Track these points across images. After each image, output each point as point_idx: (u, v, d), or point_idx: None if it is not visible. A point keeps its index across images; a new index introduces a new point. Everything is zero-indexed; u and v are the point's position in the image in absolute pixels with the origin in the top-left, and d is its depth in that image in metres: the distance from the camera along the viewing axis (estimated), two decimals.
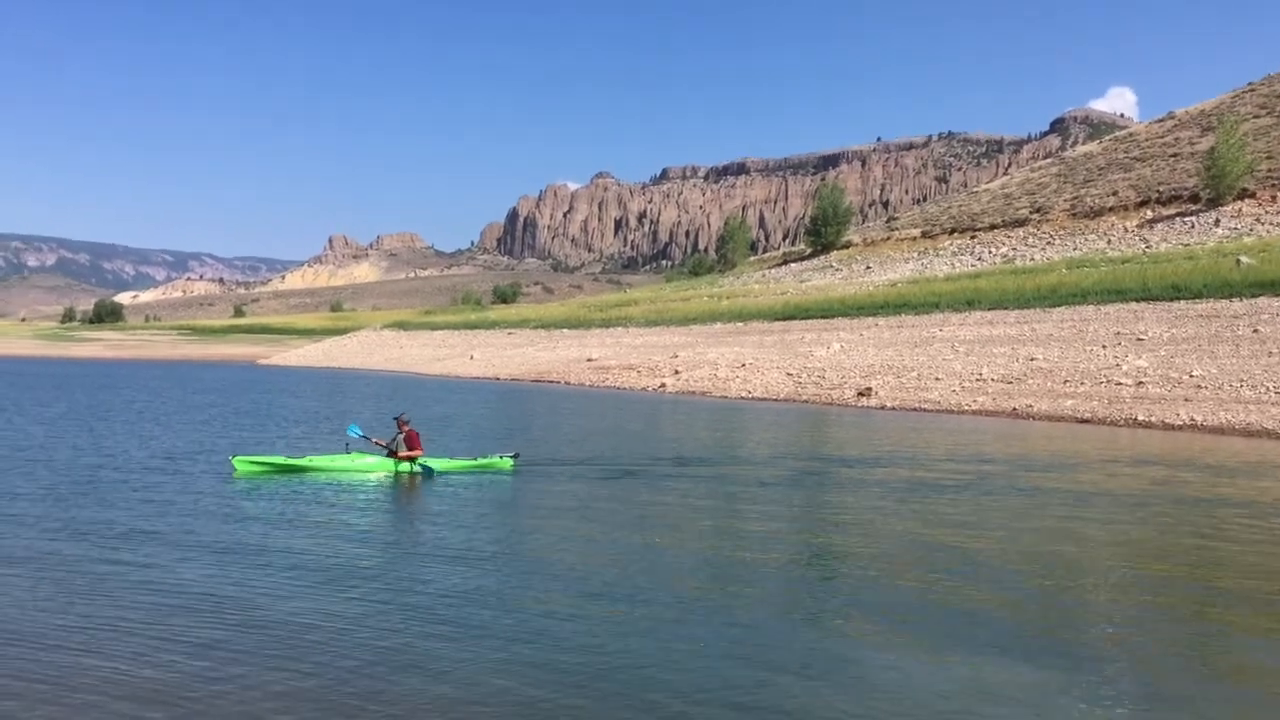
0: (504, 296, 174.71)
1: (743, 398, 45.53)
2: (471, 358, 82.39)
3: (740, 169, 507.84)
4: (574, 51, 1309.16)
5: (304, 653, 7.94)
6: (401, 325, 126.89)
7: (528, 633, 8.57)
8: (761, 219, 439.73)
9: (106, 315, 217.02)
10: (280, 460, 18.71)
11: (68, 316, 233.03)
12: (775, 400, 43.92)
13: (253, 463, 18.38)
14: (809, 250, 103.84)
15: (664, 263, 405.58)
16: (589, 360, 67.22)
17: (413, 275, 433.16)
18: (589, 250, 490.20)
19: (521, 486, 17.59)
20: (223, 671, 7.48)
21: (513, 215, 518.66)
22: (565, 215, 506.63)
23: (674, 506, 15.55)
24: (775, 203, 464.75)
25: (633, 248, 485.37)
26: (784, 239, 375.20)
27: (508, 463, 19.73)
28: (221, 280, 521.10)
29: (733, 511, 15.49)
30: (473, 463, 19.61)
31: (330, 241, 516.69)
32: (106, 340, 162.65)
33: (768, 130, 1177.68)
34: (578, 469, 20.00)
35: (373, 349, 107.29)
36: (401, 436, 18.94)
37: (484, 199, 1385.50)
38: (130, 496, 15.34)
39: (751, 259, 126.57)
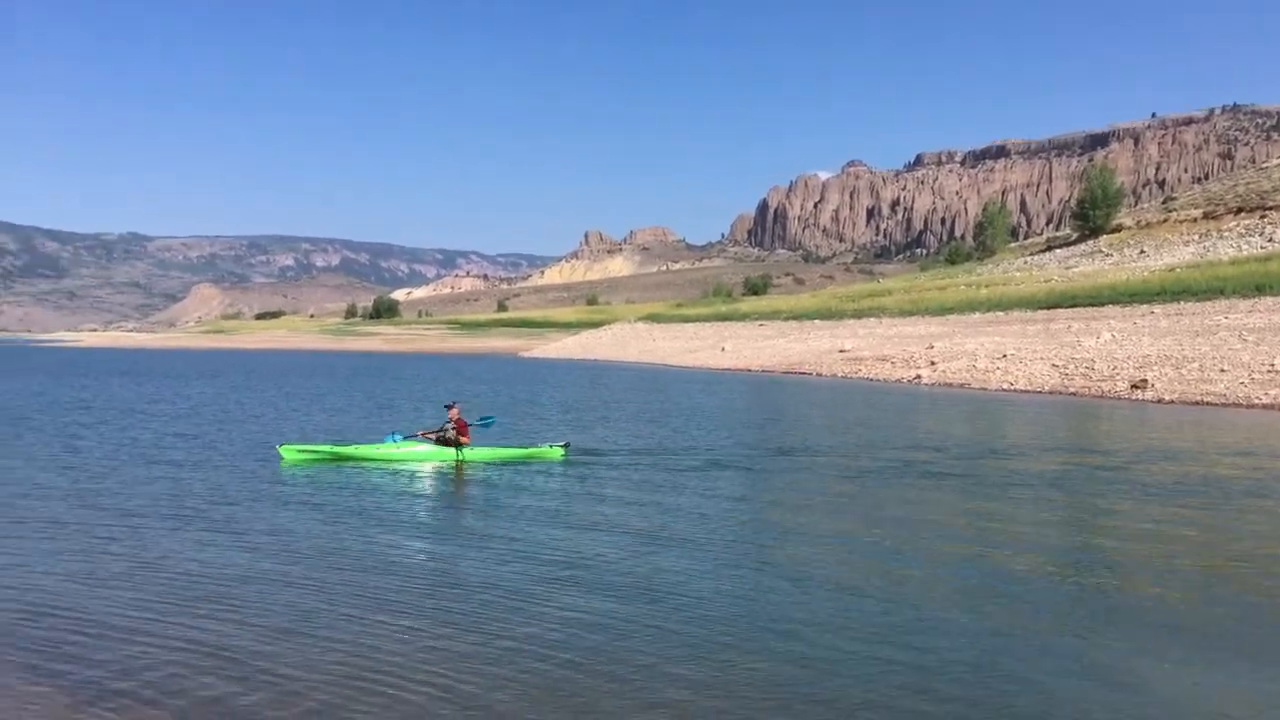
0: (755, 288, 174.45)
1: (1004, 390, 43.65)
2: (723, 349, 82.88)
3: (1000, 152, 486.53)
4: (824, 44, 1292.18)
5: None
6: (654, 318, 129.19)
7: (779, 637, 8.53)
8: (1023, 203, 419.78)
9: (384, 311, 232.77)
10: (328, 449, 18.87)
11: (350, 312, 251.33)
12: (1039, 392, 41.85)
13: (301, 451, 18.56)
14: (1075, 235, 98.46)
15: (918, 251, 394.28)
16: (841, 351, 66.26)
17: (664, 268, 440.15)
18: (840, 240, 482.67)
19: (776, 479, 17.51)
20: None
21: (763, 207, 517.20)
22: (816, 205, 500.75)
23: (928, 504, 15.07)
24: (1038, 186, 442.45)
25: (885, 236, 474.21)
26: (1047, 224, 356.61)
27: (558, 453, 19.31)
28: (485, 276, 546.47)
29: (990, 510, 14.82)
30: (521, 452, 19.32)
31: (586, 237, 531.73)
32: (384, 334, 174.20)
33: (1029, 110, 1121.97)
34: (830, 460, 19.72)
35: (627, 342, 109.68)
36: (451, 425, 18.75)
37: (734, 191, 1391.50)
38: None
39: (1012, 245, 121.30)
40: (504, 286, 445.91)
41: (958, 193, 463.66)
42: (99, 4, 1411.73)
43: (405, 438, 18.86)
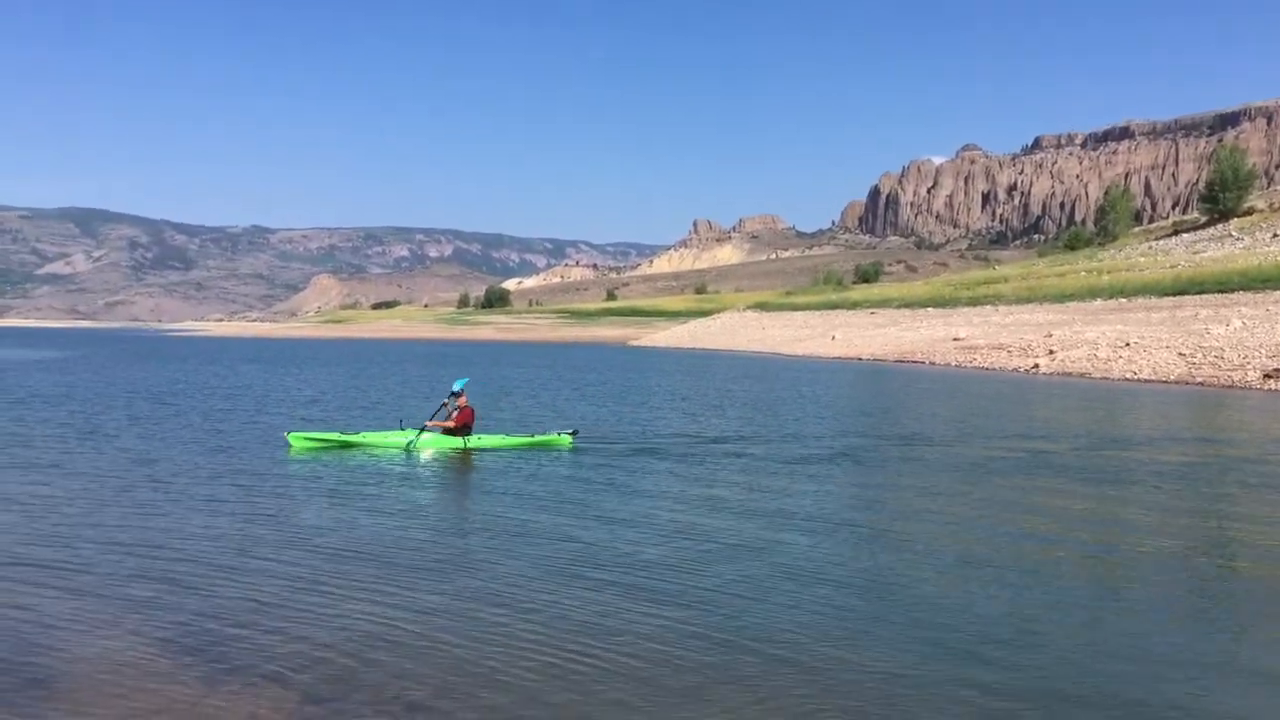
0: (865, 276, 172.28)
1: (1126, 379, 42.42)
2: (833, 338, 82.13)
3: (1123, 133, 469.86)
4: (936, 25, 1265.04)
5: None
6: (763, 306, 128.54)
7: (897, 617, 8.57)
8: (1147, 186, 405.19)
9: (495, 300, 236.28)
10: (335, 436, 18.80)
11: (463, 302, 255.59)
12: (1164, 382, 40.57)
13: (308, 439, 18.52)
14: (1204, 219, 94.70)
15: (1036, 237, 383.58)
16: (955, 340, 65.10)
17: (774, 256, 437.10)
18: (954, 226, 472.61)
19: (888, 469, 17.42)
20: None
21: (874, 193, 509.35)
22: (929, 191, 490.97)
23: (1045, 493, 14.83)
24: (1163, 168, 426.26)
25: (1001, 222, 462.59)
26: (1173, 207, 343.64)
27: (567, 440, 19.17)
28: (595, 266, 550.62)
29: (1109, 501, 14.52)
30: (529, 440, 19.16)
31: (694, 225, 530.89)
32: (496, 324, 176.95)
33: (1155, 89, 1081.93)
34: (945, 450, 19.52)
35: (735, 330, 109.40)
36: (455, 412, 18.63)
37: (845, 178, 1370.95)
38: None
39: (1136, 230, 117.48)
40: (613, 275, 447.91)
41: (1078, 176, 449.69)
42: (220, 5, 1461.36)
43: (420, 429, 18.64)
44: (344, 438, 18.68)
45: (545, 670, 7.04)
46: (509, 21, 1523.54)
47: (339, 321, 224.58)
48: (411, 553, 10.56)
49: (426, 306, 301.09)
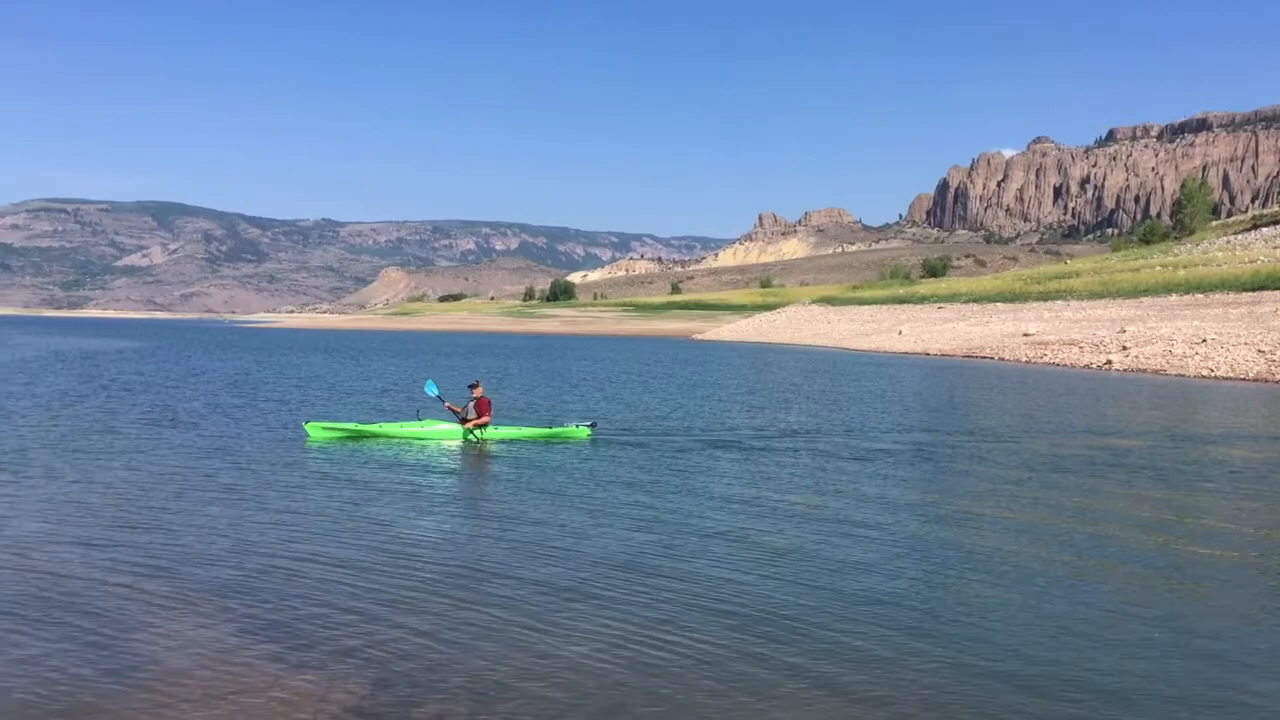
0: (933, 270, 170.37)
1: (1202, 377, 41.48)
2: (900, 333, 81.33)
3: (1200, 125, 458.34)
4: (1006, 15, 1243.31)
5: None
6: (829, 301, 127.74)
7: (960, 628, 8.52)
8: (1225, 179, 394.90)
9: (561, 293, 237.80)
10: (352, 426, 18.88)
11: (528, 295, 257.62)
12: (1242, 380, 39.62)
13: (326, 428, 18.59)
14: None
15: (1109, 231, 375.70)
16: (1025, 335, 64.12)
17: (840, 250, 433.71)
18: (1025, 220, 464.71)
19: (955, 465, 17.26)
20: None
21: (942, 186, 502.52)
22: (999, 184, 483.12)
23: (1118, 492, 14.58)
24: (1242, 161, 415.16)
25: (1074, 216, 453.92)
26: (1253, 201, 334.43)
27: (585, 432, 19.12)
28: (660, 259, 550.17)
29: (1184, 501, 14.23)
30: (546, 431, 19.12)
31: (759, 219, 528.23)
32: (561, 316, 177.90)
33: (1233, 79, 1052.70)
34: (1015, 447, 19.27)
35: (800, 324, 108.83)
36: (472, 404, 18.70)
37: (912, 171, 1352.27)
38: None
39: (1213, 224, 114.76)
40: (678, 269, 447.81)
41: (1153, 169, 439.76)
42: (293, 3, 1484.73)
43: (439, 395, 19.05)
44: (361, 428, 18.84)
45: (617, 662, 7.12)
46: (575, 16, 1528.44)
47: (406, 314, 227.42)
48: (482, 542, 10.73)
49: (492, 299, 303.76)
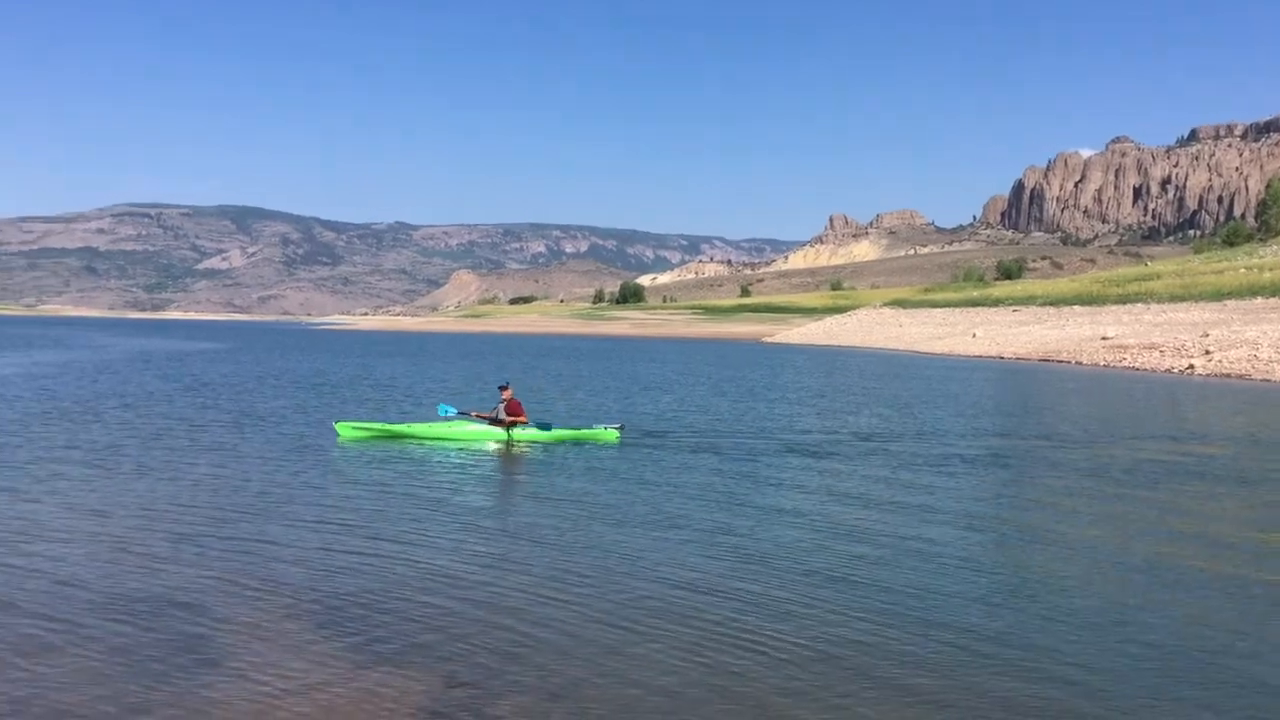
0: (1008, 272, 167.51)
1: None
2: (973, 336, 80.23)
3: None
4: (1087, 14, 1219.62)
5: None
6: (900, 303, 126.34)
7: (1050, 620, 8.43)
8: None
9: (630, 296, 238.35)
10: (382, 427, 18.97)
11: (598, 297, 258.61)
12: None
13: (356, 428, 18.63)
14: None
15: (1191, 232, 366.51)
16: (1103, 339, 62.87)
17: (912, 252, 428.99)
18: (1103, 221, 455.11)
19: (1029, 474, 17.01)
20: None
21: (1018, 187, 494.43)
22: (1076, 185, 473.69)
23: (1201, 500, 14.25)
24: None
25: (1154, 217, 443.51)
26: None
27: (613, 434, 19.00)
28: (729, 262, 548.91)
29: (1271, 509, 13.86)
30: (574, 433, 19.01)
31: (830, 221, 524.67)
32: (631, 319, 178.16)
33: None
34: (1094, 452, 18.92)
35: (872, 327, 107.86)
36: (503, 405, 18.74)
37: (986, 172, 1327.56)
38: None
39: None
40: (747, 272, 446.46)
41: (1238, 169, 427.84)
42: (369, 14, 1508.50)
43: (457, 412, 19.07)
44: (391, 428, 18.99)
45: (692, 663, 7.16)
46: (646, 22, 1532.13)
47: (478, 316, 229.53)
48: (556, 543, 10.82)
49: (562, 302, 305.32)
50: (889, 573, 9.67)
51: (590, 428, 19.61)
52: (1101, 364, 54.67)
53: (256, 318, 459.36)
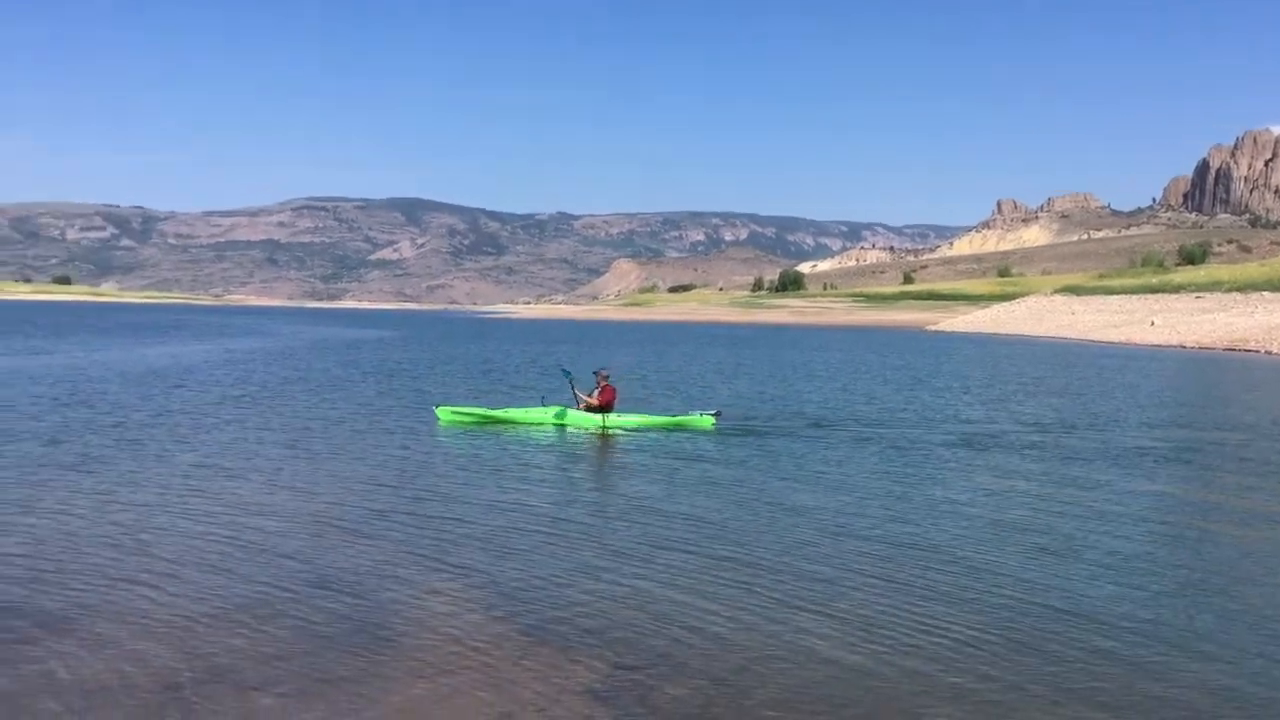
0: (1191, 257, 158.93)
1: None
2: (1152, 324, 76.66)
3: None
4: None
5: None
6: (1073, 290, 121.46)
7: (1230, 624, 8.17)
8: None
9: (789, 284, 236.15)
10: (481, 411, 19.21)
11: (757, 285, 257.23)
12: None
13: (455, 413, 18.99)
14: None
15: None
16: None
17: (1085, 237, 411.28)
18: None
19: (1213, 475, 16.30)
20: None
21: (1202, 167, 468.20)
22: (1267, 164, 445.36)
23: None
24: None
25: None
26: None
27: (708, 421, 18.75)
28: (891, 248, 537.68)
29: None
30: (669, 420, 18.95)
31: (998, 206, 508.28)
32: (790, 307, 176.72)
33: None
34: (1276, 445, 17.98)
35: (1041, 315, 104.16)
36: (597, 391, 18.70)
37: (1167, 151, 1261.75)
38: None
39: None
40: (910, 258, 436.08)
41: None
42: (533, 12, 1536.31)
43: (570, 377, 19.52)
44: (489, 413, 19.33)
45: (864, 649, 7.19)
46: (799, 10, 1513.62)
47: (638, 304, 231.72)
48: (723, 529, 10.91)
49: (721, 290, 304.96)
50: (1064, 568, 9.46)
51: (686, 414, 19.65)
52: None
53: (425, 306, 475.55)
